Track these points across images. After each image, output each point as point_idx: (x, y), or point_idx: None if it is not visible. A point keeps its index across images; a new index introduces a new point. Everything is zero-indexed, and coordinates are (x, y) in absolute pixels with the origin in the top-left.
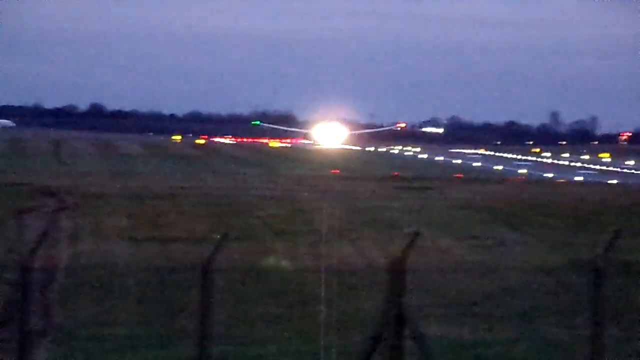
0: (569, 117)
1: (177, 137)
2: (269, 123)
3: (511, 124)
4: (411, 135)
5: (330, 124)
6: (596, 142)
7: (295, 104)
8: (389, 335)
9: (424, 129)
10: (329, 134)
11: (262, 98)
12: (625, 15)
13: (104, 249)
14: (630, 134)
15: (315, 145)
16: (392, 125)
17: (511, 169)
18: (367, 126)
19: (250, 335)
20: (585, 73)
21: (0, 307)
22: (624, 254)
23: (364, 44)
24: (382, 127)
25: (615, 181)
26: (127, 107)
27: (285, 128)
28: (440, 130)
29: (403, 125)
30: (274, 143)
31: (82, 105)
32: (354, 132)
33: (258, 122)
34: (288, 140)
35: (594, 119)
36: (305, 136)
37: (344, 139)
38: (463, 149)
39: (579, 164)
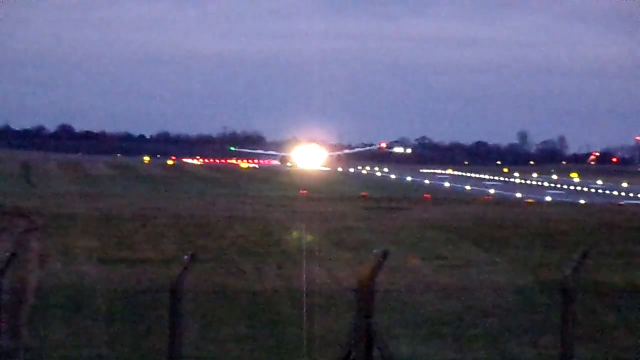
0: (537, 137)
1: (147, 158)
2: (238, 144)
3: (480, 144)
4: (378, 156)
5: (307, 146)
6: (565, 162)
7: (263, 125)
8: (357, 356)
9: (392, 149)
10: (307, 156)
11: (230, 119)
12: (595, 35)
13: (73, 270)
14: (599, 154)
15: (289, 166)
16: (373, 146)
17: (480, 189)
18: (342, 147)
19: (220, 356)
20: (553, 93)
21: None
22: (593, 274)
23: (332, 65)
24: (361, 147)
25: (584, 201)
26: (95, 128)
27: (262, 151)
28: (409, 151)
29: (384, 145)
30: (244, 164)
31: (51, 126)
32: (332, 153)
33: (233, 148)
34: (258, 162)
35: (562, 139)
36: (282, 159)
37: (321, 161)
38: (432, 169)
39: (548, 184)
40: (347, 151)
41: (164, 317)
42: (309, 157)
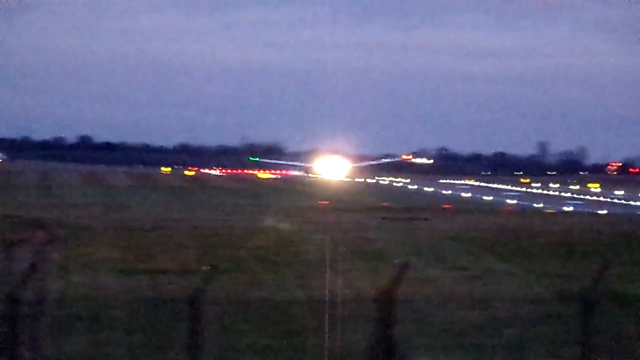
0: (558, 147)
1: (167, 169)
2: (257, 155)
3: (500, 154)
4: (398, 166)
5: (330, 157)
6: (585, 172)
7: (282, 136)
8: None
9: (413, 160)
10: (329, 167)
11: (250, 130)
12: (614, 46)
13: (93, 281)
14: (620, 164)
15: (310, 177)
16: (396, 157)
17: (500, 199)
18: (365, 158)
19: None
20: (573, 103)
21: None
22: (613, 285)
23: (352, 75)
24: (384, 158)
25: (604, 211)
26: (115, 139)
27: (285, 162)
28: (430, 161)
29: (410, 157)
30: (263, 175)
31: (71, 137)
32: (355, 164)
33: (257, 158)
34: (277, 172)
35: (582, 149)
36: (305, 170)
37: (344, 172)
38: (452, 179)
39: (568, 194)
40: (370, 162)
41: (184, 328)
42: (332, 168)
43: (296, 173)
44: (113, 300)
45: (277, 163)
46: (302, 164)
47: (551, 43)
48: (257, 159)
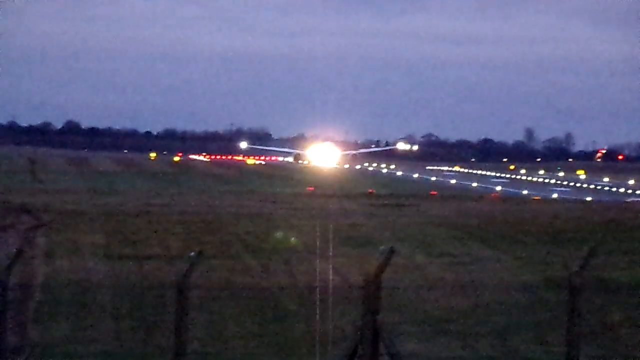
0: (544, 134)
1: (153, 155)
2: (245, 141)
3: (486, 141)
4: (384, 153)
5: (322, 144)
6: (571, 159)
7: (270, 122)
8: (364, 352)
9: (408, 148)
10: (321, 154)
11: (237, 116)
12: (602, 33)
13: (80, 266)
14: (604, 151)
15: (299, 164)
16: (388, 145)
17: (487, 186)
18: (356, 145)
19: (226, 352)
20: (559, 90)
21: None
22: (599, 271)
23: (338, 62)
24: (377, 146)
25: (590, 199)
26: (102, 124)
27: (276, 149)
28: (415, 148)
29: (408, 147)
30: (251, 161)
31: (57, 122)
32: (347, 152)
33: (246, 144)
34: (264, 159)
35: (568, 136)
36: (296, 157)
37: (335, 159)
38: (438, 166)
39: (554, 181)
40: (363, 150)
41: (170, 313)
42: (323, 155)
43: (287, 160)
44: (99, 286)
45: (269, 150)
46: (296, 151)
47: (537, 29)
48: (247, 144)
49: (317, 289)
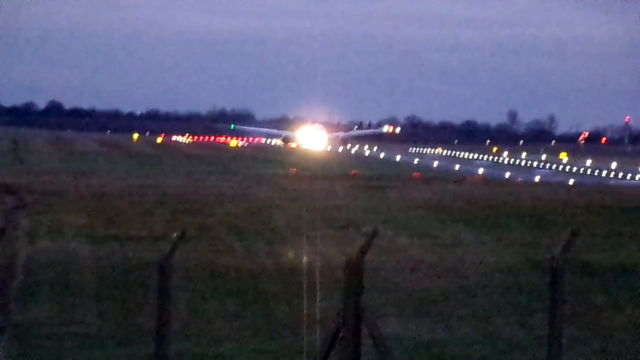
0: (527, 116)
1: (136, 136)
2: (227, 121)
3: (469, 123)
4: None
5: (311, 126)
6: (554, 142)
7: (253, 103)
8: (346, 334)
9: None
10: (309, 136)
11: (219, 97)
12: (585, 15)
13: (62, 247)
14: (588, 134)
15: (283, 145)
16: (379, 128)
17: (470, 168)
18: (344, 127)
19: (209, 333)
20: (543, 72)
21: None
22: (581, 254)
23: (320, 43)
24: (367, 128)
25: (573, 181)
26: (85, 105)
27: (264, 130)
28: (398, 130)
29: (394, 129)
30: (234, 142)
31: (40, 103)
32: (337, 134)
33: (233, 126)
34: (247, 140)
35: (551, 119)
36: (285, 138)
37: (324, 141)
38: (421, 148)
39: (537, 164)
40: (352, 132)
41: (152, 294)
42: (311, 137)
43: (275, 141)
44: (82, 266)
45: (257, 131)
46: (282, 132)
47: (521, 12)
48: (233, 126)
49: (298, 271)
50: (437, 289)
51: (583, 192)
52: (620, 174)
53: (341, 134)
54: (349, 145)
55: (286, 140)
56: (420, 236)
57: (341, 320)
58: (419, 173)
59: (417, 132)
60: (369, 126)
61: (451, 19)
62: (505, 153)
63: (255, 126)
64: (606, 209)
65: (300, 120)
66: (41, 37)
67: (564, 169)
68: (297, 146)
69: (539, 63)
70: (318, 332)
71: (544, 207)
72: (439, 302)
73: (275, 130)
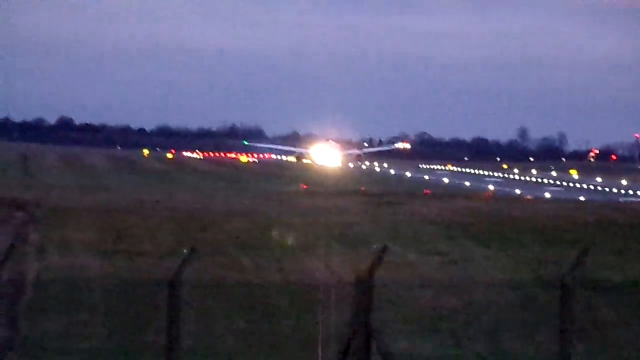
0: (537, 133)
1: (146, 151)
2: (237, 138)
3: (480, 140)
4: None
5: (325, 143)
6: (564, 159)
7: (263, 119)
8: (356, 350)
9: (391, 145)
10: (323, 153)
11: (230, 113)
12: (594, 31)
13: (72, 262)
14: (598, 151)
15: (295, 162)
16: (392, 144)
17: (480, 185)
18: (359, 144)
19: (218, 349)
20: (553, 89)
21: None
22: (591, 271)
23: (331, 59)
24: (381, 145)
25: (583, 198)
26: (96, 120)
27: (277, 146)
28: (408, 146)
29: (408, 146)
30: (244, 158)
31: (51, 118)
32: (351, 151)
33: (246, 142)
34: (257, 156)
35: (562, 136)
36: (299, 156)
37: (337, 158)
38: (432, 164)
39: (547, 181)
40: (367, 150)
41: (162, 310)
42: (325, 154)
43: (288, 158)
44: (91, 282)
45: (269, 147)
46: (297, 150)
47: (532, 28)
48: (246, 142)
49: (307, 287)
50: (447, 305)
51: (593, 209)
52: (630, 191)
53: (355, 150)
54: (358, 162)
55: (300, 157)
56: (429, 253)
57: (351, 337)
58: (429, 190)
59: (428, 148)
60: (380, 143)
61: (461, 36)
62: (516, 170)
63: (266, 142)
64: (616, 226)
65: (310, 137)
66: (52, 53)
67: (574, 186)
68: (311, 163)
69: (550, 79)
70: (329, 349)
71: (554, 224)
72: (449, 319)
73: (289, 147)
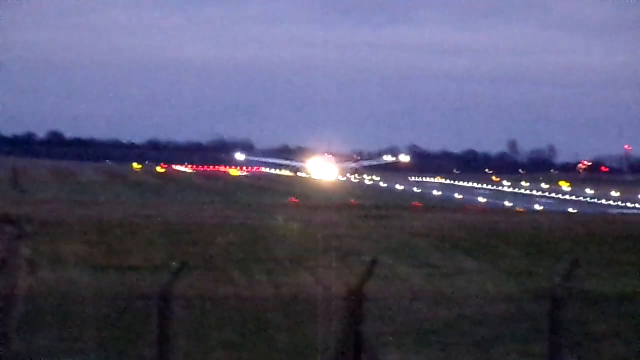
0: (527, 145)
1: (136, 165)
2: (227, 151)
3: (470, 152)
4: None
5: (322, 157)
6: (554, 171)
7: (253, 132)
8: None
9: (383, 158)
10: (320, 167)
11: (219, 126)
12: (584, 44)
13: (63, 277)
14: (590, 163)
15: (285, 175)
16: (389, 157)
17: (471, 197)
18: (354, 158)
19: None
20: (543, 101)
21: None
22: (582, 283)
23: (321, 73)
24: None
25: (573, 210)
26: (85, 134)
27: (274, 160)
28: (407, 159)
29: (408, 159)
30: (234, 171)
31: (40, 132)
32: (348, 165)
33: (242, 155)
34: (247, 170)
35: (551, 148)
36: (295, 169)
37: (335, 171)
38: (421, 177)
39: (537, 193)
40: (364, 163)
41: (153, 324)
42: (323, 167)
43: (284, 172)
44: (82, 296)
45: (268, 162)
46: (293, 163)
47: (521, 42)
48: (246, 157)
49: (297, 299)
50: (438, 318)
51: (584, 221)
52: (620, 203)
53: (349, 164)
54: (348, 175)
55: (295, 170)
56: (420, 265)
57: (341, 350)
58: (419, 202)
59: (418, 161)
60: (370, 156)
61: (451, 48)
62: (506, 182)
63: (255, 156)
64: (607, 238)
65: (300, 150)
66: (41, 67)
67: (564, 197)
68: (305, 176)
69: (540, 92)
70: None
71: (545, 235)
72: (439, 332)
73: (284, 161)
